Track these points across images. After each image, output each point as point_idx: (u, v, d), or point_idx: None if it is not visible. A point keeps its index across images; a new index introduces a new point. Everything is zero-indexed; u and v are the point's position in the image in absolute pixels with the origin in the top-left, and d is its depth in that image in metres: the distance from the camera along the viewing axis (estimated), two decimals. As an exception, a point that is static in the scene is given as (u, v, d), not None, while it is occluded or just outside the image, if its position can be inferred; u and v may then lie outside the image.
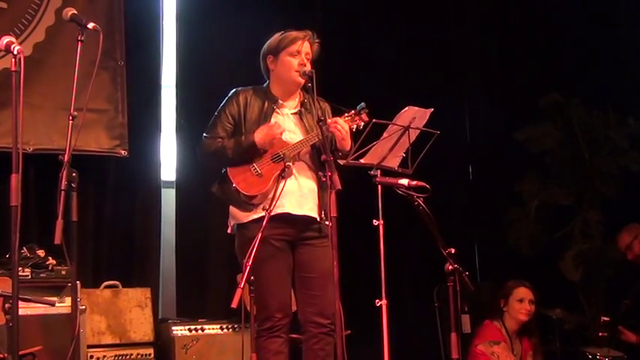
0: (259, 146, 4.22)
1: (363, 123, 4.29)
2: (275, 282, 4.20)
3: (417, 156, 4.32)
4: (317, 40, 4.42)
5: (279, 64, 4.38)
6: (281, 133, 4.25)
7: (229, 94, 4.46)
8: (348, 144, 4.25)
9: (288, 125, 4.36)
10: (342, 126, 4.23)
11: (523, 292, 5.72)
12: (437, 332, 5.88)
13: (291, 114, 4.41)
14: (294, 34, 4.37)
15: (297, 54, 4.32)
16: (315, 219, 4.27)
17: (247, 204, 4.23)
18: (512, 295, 5.73)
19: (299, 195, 4.24)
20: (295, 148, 4.24)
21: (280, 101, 4.40)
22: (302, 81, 4.28)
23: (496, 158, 7.35)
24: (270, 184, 4.18)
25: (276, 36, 4.41)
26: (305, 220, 4.26)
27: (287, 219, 4.19)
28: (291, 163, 4.14)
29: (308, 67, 4.27)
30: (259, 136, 4.23)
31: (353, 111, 4.32)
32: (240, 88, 4.47)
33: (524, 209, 6.96)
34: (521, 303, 5.69)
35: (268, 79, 4.47)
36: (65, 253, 3.39)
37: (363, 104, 4.32)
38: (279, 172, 4.13)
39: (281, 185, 4.01)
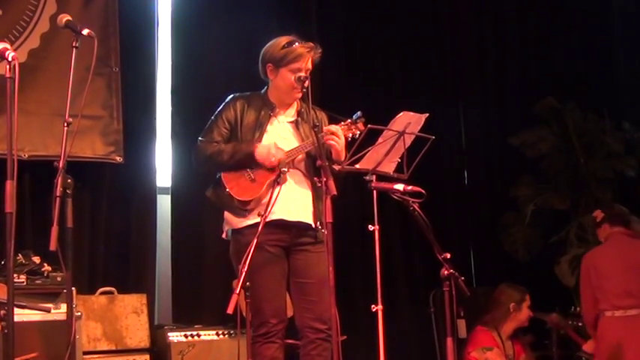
0: (257, 159, 4.22)
1: (359, 132, 4.28)
2: (270, 288, 4.20)
3: (412, 161, 4.32)
4: (319, 51, 4.38)
5: (279, 77, 4.35)
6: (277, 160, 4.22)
7: (227, 100, 4.45)
8: (342, 156, 4.24)
9: (283, 133, 4.36)
10: (337, 141, 4.21)
11: (529, 299, 5.80)
12: (433, 337, 5.89)
13: (288, 122, 4.40)
14: (299, 49, 4.29)
15: (298, 71, 4.28)
16: (310, 225, 4.26)
17: (241, 209, 4.22)
18: (525, 302, 5.79)
19: (293, 201, 4.23)
20: (290, 155, 4.24)
21: (277, 109, 4.39)
22: (299, 96, 4.29)
23: (491, 163, 7.37)
24: (264, 189, 4.18)
25: (279, 46, 4.33)
26: (299, 227, 4.25)
27: (281, 225, 4.19)
28: (285, 170, 4.14)
29: (303, 74, 4.25)
30: (261, 152, 4.21)
31: (349, 120, 4.32)
32: (237, 94, 4.46)
33: (520, 214, 6.97)
34: (529, 309, 5.77)
35: (266, 81, 4.45)
36: (61, 260, 3.38)
37: (359, 113, 4.32)
38: (272, 178, 4.12)
39: (276, 191, 4.01)
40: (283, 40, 4.36)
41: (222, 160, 4.27)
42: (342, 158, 4.24)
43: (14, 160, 3.17)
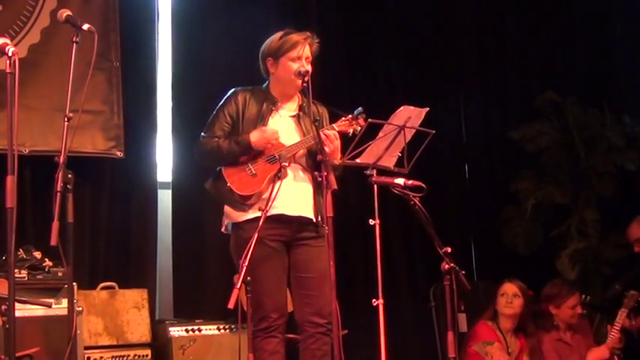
0: (254, 147, 4.22)
1: (359, 127, 4.28)
2: (270, 282, 4.20)
3: (412, 155, 4.32)
4: (316, 41, 4.40)
5: (279, 68, 4.36)
6: (276, 139, 4.24)
7: (228, 94, 4.45)
8: (336, 158, 4.22)
9: (285, 127, 4.36)
10: (328, 144, 4.18)
11: (506, 287, 5.72)
12: (434, 331, 5.89)
13: (289, 116, 4.40)
14: (294, 37, 4.34)
15: (297, 59, 4.29)
16: (311, 219, 4.26)
17: (241, 204, 4.23)
18: (497, 292, 5.74)
19: (294, 196, 4.23)
20: (291, 150, 4.24)
21: (279, 103, 4.39)
22: (301, 85, 4.28)
23: (492, 157, 7.36)
24: (265, 184, 4.18)
25: (276, 38, 4.38)
26: (300, 221, 4.25)
27: (282, 220, 4.19)
28: (286, 164, 4.14)
29: (304, 68, 4.26)
30: (255, 137, 4.22)
31: (350, 116, 4.32)
32: (239, 88, 4.46)
33: (521, 208, 6.96)
34: (503, 297, 5.69)
35: (267, 78, 4.46)
36: (61, 255, 3.39)
37: (360, 109, 4.31)
38: (273, 172, 4.12)
39: (277, 186, 4.01)
40: (279, 33, 4.40)
41: (222, 154, 4.27)
42: (335, 159, 4.21)
43: (15, 156, 3.18)
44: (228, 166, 4.27)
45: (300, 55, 4.30)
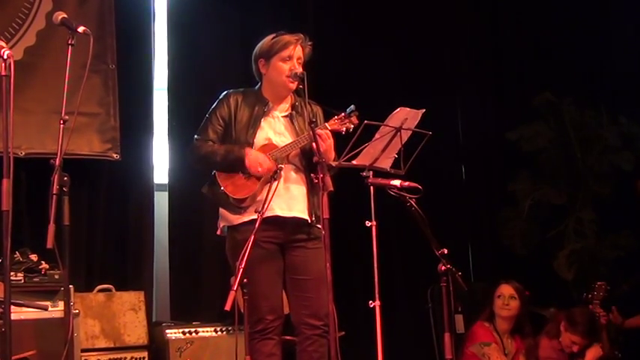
0: (246, 166, 4.20)
1: (352, 126, 4.27)
2: (266, 284, 4.19)
3: (409, 157, 4.32)
4: (309, 43, 4.41)
5: (270, 69, 4.36)
6: (269, 169, 4.19)
7: (220, 97, 4.45)
8: (329, 158, 4.20)
9: (278, 128, 4.35)
10: (320, 143, 4.16)
11: (502, 289, 5.71)
12: (431, 333, 5.89)
13: (282, 117, 4.40)
14: (286, 38, 4.35)
15: (288, 59, 4.30)
16: (305, 221, 4.26)
17: (237, 207, 4.22)
18: (494, 293, 5.73)
19: (288, 197, 4.23)
20: (285, 151, 4.23)
21: (271, 104, 4.39)
22: (293, 86, 4.27)
23: (489, 158, 7.36)
24: (259, 186, 4.18)
25: (268, 39, 4.39)
26: (295, 222, 4.25)
27: (276, 222, 4.18)
28: (282, 166, 4.13)
29: (299, 70, 4.26)
30: (251, 159, 4.19)
31: (343, 114, 4.31)
32: (231, 91, 4.46)
33: (518, 209, 6.97)
34: (499, 299, 5.68)
35: (260, 80, 4.46)
36: (58, 257, 3.39)
37: (352, 107, 4.31)
38: (268, 174, 4.12)
39: (273, 187, 4.00)
40: (271, 35, 4.41)
41: (215, 161, 4.27)
42: (329, 160, 4.20)
43: (11, 158, 3.18)
44: (222, 170, 4.27)
45: (291, 54, 4.30)
